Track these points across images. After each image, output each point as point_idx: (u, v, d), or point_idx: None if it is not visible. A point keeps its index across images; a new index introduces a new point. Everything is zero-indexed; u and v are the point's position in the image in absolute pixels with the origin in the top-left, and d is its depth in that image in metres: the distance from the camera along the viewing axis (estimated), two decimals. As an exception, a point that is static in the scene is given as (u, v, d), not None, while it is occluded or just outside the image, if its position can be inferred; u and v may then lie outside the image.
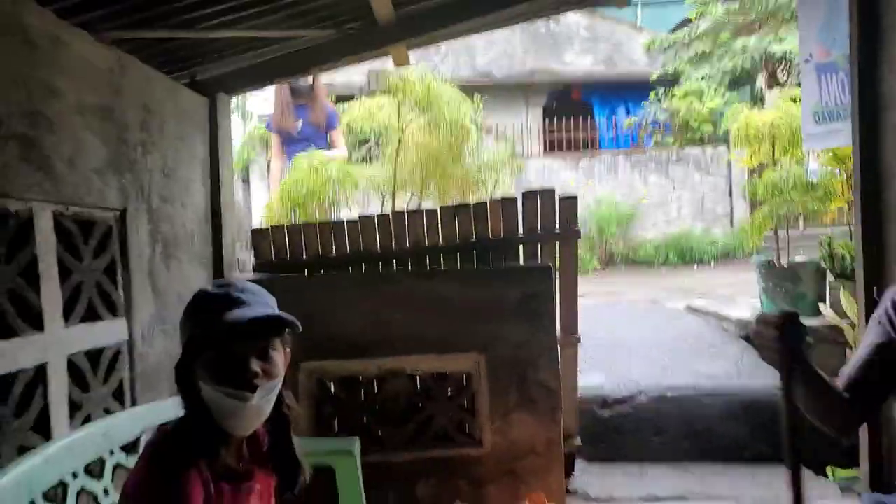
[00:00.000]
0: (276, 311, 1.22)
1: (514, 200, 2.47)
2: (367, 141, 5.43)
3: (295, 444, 1.32)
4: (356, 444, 2.02)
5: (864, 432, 2.23)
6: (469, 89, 7.42)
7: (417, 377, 2.39)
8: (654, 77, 9.74)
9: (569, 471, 2.82)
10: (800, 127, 2.83)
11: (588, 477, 2.83)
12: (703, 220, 9.41)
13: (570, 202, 2.52)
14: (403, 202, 3.33)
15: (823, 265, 3.05)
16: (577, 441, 2.79)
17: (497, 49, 11.12)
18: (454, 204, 2.56)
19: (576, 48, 11.16)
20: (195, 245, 2.12)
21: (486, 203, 2.49)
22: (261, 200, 7.34)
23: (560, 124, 10.69)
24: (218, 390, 1.16)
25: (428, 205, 3.11)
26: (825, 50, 2.42)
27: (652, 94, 9.74)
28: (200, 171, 2.21)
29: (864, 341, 1.51)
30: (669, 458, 2.93)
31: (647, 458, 2.95)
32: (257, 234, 2.48)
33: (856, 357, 1.51)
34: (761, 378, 3.03)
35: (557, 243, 2.53)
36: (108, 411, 1.68)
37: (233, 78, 2.36)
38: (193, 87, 2.15)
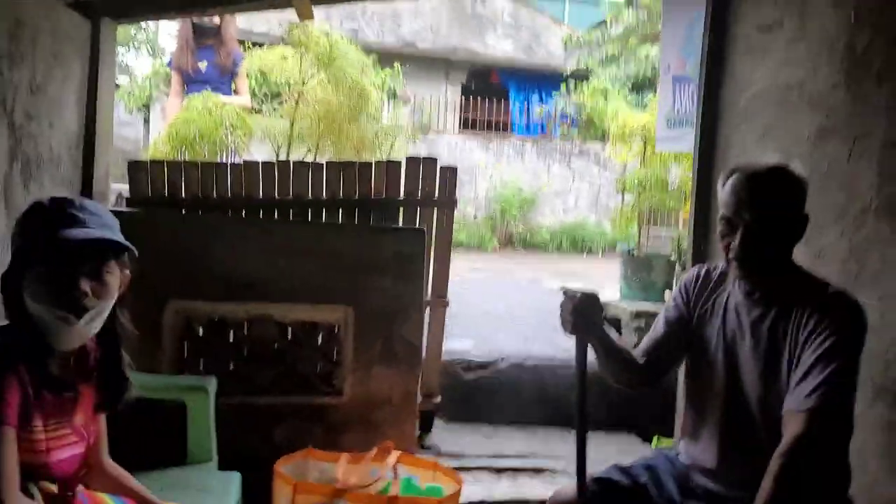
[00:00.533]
0: (114, 236, 1.23)
1: (398, 164, 2.56)
2: (279, 94, 5.35)
3: (124, 361, 1.35)
4: (212, 382, 2.07)
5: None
6: (391, 56, 7.40)
7: (286, 324, 2.46)
8: (567, 71, 10.09)
9: (427, 427, 2.99)
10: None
11: (444, 434, 3.01)
12: (598, 211, 9.92)
13: (451, 172, 2.65)
14: (298, 157, 3.34)
15: (673, 258, 3.38)
16: (438, 399, 2.97)
17: (422, 21, 11.11)
18: (340, 161, 2.61)
19: (498, 32, 11.33)
20: (62, 169, 2.06)
21: (371, 164, 2.57)
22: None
23: (476, 104, 10.88)
24: (45, 307, 1.17)
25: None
26: (682, 62, 2.67)
27: (563, 87, 10.08)
28: (76, 95, 2.14)
29: (661, 315, 1.75)
30: (522, 421, 3.17)
31: (502, 420, 3.17)
32: (134, 166, 2.44)
33: (653, 329, 1.75)
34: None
35: (435, 209, 2.66)
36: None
37: (121, 4, 2.28)
38: (76, 7, 2.07)
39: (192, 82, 3.90)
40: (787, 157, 1.98)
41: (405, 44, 10.70)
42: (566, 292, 1.57)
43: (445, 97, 11.13)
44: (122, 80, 8.14)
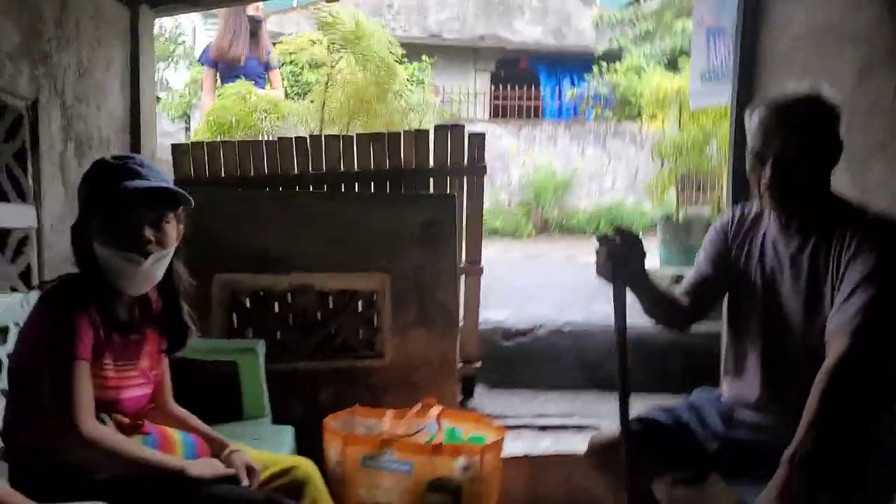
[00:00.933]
0: (173, 187, 1.36)
1: (426, 133, 2.63)
2: (309, 92, 5.50)
3: (184, 310, 1.46)
4: (260, 344, 2.18)
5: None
6: (418, 49, 7.44)
7: (326, 293, 2.55)
8: (599, 52, 10.00)
9: (469, 393, 3.05)
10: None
11: (485, 399, 3.06)
12: (636, 192, 9.80)
13: (479, 138, 2.70)
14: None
15: (713, 220, 3.36)
16: (478, 365, 3.02)
17: (448, 11, 11.17)
18: (369, 133, 2.68)
19: (526, 17, 11.30)
20: (111, 150, 2.20)
21: (399, 134, 2.64)
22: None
23: (506, 91, 10.88)
24: (112, 251, 1.29)
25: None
26: (715, 15, 2.65)
27: (595, 68, 10.00)
28: (119, 81, 2.27)
29: (700, 255, 1.77)
30: (562, 385, 3.20)
31: (541, 385, 3.20)
32: (177, 149, 2.57)
33: (695, 268, 1.76)
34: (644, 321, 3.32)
35: (465, 176, 2.71)
36: (14, 290, 1.78)
37: None
38: None
39: (229, 76, 4.03)
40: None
41: (432, 35, 10.78)
42: (602, 237, 1.56)
43: (474, 86, 11.16)
44: (161, 94, 8.45)
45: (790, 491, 1.32)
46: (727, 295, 1.77)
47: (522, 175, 9.81)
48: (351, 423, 2.24)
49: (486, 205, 9.73)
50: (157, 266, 1.34)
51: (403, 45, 4.13)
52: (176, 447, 1.40)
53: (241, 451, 1.46)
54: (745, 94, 2.50)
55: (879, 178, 1.92)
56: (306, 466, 1.59)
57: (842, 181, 1.98)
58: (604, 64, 9.99)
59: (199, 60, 4.96)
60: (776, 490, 1.34)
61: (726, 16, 2.60)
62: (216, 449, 1.46)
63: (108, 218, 1.29)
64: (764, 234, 1.67)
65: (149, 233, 1.31)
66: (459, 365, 2.84)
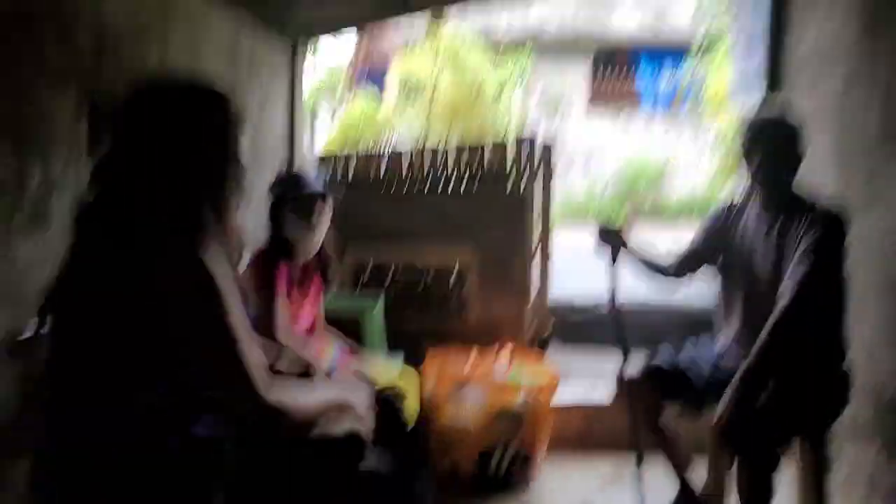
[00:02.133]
0: (326, 191, 2.19)
1: (504, 146, 3.32)
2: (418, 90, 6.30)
3: (334, 263, 2.29)
4: (380, 298, 2.99)
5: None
6: (520, 45, 7.94)
7: (428, 265, 3.32)
8: (697, 40, 10.12)
9: (543, 350, 3.73)
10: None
11: (556, 353, 3.72)
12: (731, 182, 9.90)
13: (548, 148, 3.35)
14: (434, 142, 4.20)
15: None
16: (547, 334, 3.69)
17: (550, 6, 11.58)
18: (459, 146, 3.41)
19: (625, 7, 11.49)
20: (275, 158, 3.08)
21: (482, 146, 3.35)
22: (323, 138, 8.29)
23: (605, 82, 11.21)
24: (299, 222, 2.11)
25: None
26: (752, 25, 3.14)
27: (692, 58, 10.14)
28: (283, 107, 3.16)
29: (700, 227, 2.37)
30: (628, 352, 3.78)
31: (604, 349, 3.81)
32: (321, 159, 3.45)
33: (695, 235, 2.37)
34: (698, 300, 3.83)
35: (539, 179, 3.37)
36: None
37: (315, 22, 3.17)
38: (280, 29, 3.03)
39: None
40: (824, 105, 2.53)
41: (533, 31, 11.27)
42: (597, 227, 2.30)
43: (574, 78, 11.55)
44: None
45: (738, 396, 1.91)
46: (720, 261, 2.34)
47: (617, 163, 10.19)
48: (444, 361, 2.99)
49: (582, 192, 10.19)
50: (320, 234, 2.18)
51: (506, 41, 4.76)
52: (328, 352, 2.24)
53: (368, 359, 2.28)
54: (772, 93, 2.99)
55: (858, 172, 2.40)
56: (410, 376, 2.38)
57: (826, 173, 2.53)
58: (701, 53, 10.12)
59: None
60: (729, 396, 1.93)
61: (760, 28, 3.07)
62: (354, 353, 2.29)
63: (294, 206, 2.13)
64: (748, 217, 2.24)
65: (315, 216, 2.14)
66: (532, 331, 3.53)
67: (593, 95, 11.36)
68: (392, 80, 4.81)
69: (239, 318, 1.15)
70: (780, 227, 2.11)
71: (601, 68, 11.68)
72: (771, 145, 2.09)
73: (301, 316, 2.20)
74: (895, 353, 2.19)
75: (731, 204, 2.34)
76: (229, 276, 1.16)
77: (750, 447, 1.92)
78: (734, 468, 2.01)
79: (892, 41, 2.21)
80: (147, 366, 1.14)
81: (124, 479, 1.14)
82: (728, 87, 4.01)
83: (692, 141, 10.09)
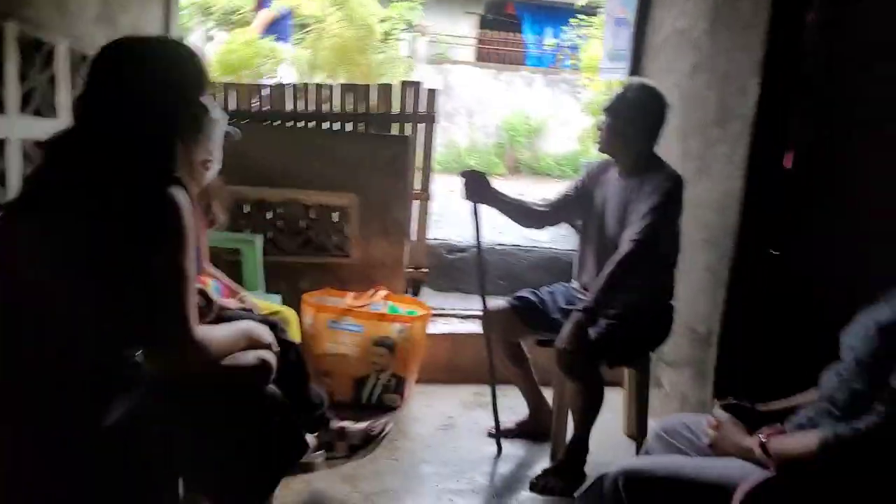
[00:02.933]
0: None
1: (390, 86, 3.41)
2: (305, 25, 6.13)
3: (219, 194, 2.30)
4: (259, 238, 3.01)
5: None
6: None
7: (309, 206, 3.36)
8: (579, 4, 10.52)
9: (416, 292, 3.94)
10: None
11: (430, 297, 3.95)
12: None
13: (433, 92, 3.48)
14: (319, 80, 4.18)
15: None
16: (425, 270, 3.90)
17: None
18: (347, 83, 3.45)
19: (515, -36, 11.67)
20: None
21: (370, 86, 3.42)
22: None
23: (492, 35, 11.42)
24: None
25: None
26: (622, 8, 3.42)
27: (574, 20, 10.56)
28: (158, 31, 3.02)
29: (570, 184, 2.63)
30: (491, 292, 4.08)
31: (474, 290, 4.09)
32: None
33: (563, 190, 2.63)
34: (564, 243, 4.21)
35: (420, 123, 3.51)
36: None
37: None
38: None
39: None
40: (675, 86, 2.85)
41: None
42: (461, 174, 2.46)
43: (462, 28, 11.65)
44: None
45: (578, 325, 2.21)
46: (580, 216, 2.63)
47: (499, 117, 10.52)
48: (322, 299, 3.11)
49: (464, 143, 10.42)
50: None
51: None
52: (208, 287, 2.27)
53: (249, 296, 2.33)
54: (634, 74, 3.31)
55: (695, 144, 2.76)
56: (289, 311, 2.47)
57: (670, 146, 2.87)
58: (583, 17, 10.56)
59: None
60: (570, 325, 2.22)
61: (630, 10, 3.37)
62: (232, 293, 2.32)
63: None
64: (610, 176, 2.53)
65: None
66: (409, 269, 3.72)
67: (480, 49, 11.56)
68: (265, 12, 4.64)
69: (191, 258, 1.22)
70: (629, 188, 2.40)
71: (489, 21, 11.87)
72: (626, 112, 2.36)
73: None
74: (709, 299, 2.58)
75: (598, 164, 2.62)
76: (191, 214, 1.23)
77: (582, 370, 2.23)
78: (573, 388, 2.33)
79: (729, 40, 2.54)
80: (92, 291, 1.18)
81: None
82: (599, 59, 4.34)
83: (569, 101, 10.60)
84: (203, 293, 1.73)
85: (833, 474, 0.95)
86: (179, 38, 1.47)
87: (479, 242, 2.50)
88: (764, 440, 1.08)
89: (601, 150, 2.45)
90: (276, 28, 4.47)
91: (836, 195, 2.35)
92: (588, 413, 2.31)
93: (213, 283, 2.32)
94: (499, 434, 2.61)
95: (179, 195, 1.21)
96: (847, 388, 1.07)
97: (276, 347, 1.57)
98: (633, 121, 2.37)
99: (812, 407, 1.16)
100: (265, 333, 1.55)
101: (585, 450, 2.33)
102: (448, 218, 4.46)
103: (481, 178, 2.44)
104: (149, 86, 1.28)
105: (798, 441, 1.03)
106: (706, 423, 1.26)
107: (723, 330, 2.47)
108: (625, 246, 2.28)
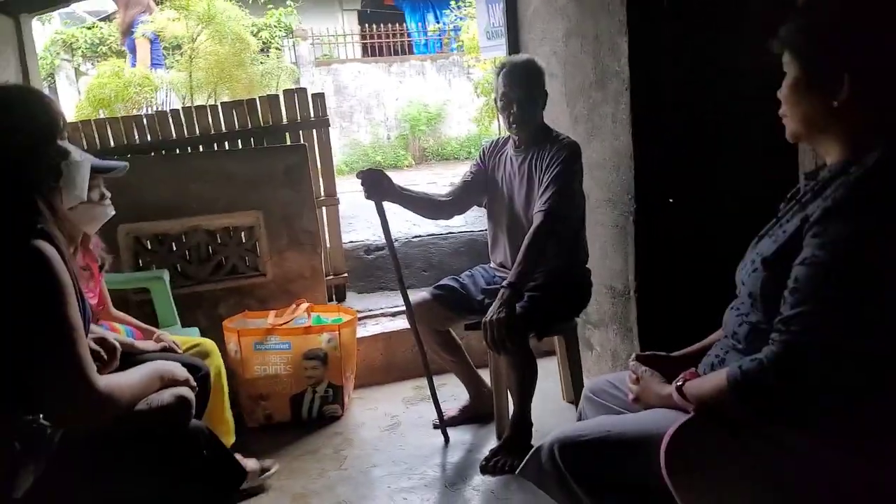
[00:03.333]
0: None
1: (277, 96, 3.32)
2: (179, 46, 5.87)
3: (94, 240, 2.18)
4: (165, 273, 2.88)
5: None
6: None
7: (214, 231, 3.24)
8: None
9: (341, 297, 3.89)
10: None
11: (354, 300, 3.91)
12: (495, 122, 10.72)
13: (320, 97, 3.42)
14: (200, 102, 4.02)
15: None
16: (345, 275, 3.85)
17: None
18: (231, 100, 3.34)
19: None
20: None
21: (254, 99, 3.31)
22: (70, 103, 7.40)
23: (375, 30, 11.32)
24: (92, 204, 1.96)
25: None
26: (492, -16, 3.47)
27: (453, 2, 10.63)
28: (14, 80, 2.80)
29: (468, 169, 2.65)
30: (416, 285, 4.09)
31: (396, 286, 4.09)
32: (70, 126, 3.12)
33: (463, 177, 2.64)
34: (479, 225, 4.26)
35: (313, 129, 3.44)
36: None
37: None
38: (1, 9, 2.70)
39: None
40: (553, 53, 2.90)
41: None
42: (358, 174, 2.44)
43: (343, 27, 11.51)
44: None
45: (505, 302, 2.24)
46: (485, 196, 2.66)
47: (397, 110, 10.47)
48: (243, 323, 3.02)
49: (367, 140, 10.37)
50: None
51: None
52: (121, 333, 2.15)
53: (165, 333, 2.23)
54: (513, 49, 3.37)
55: (580, 107, 2.84)
56: (209, 343, 2.38)
57: (559, 111, 2.94)
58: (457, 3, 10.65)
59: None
60: (497, 302, 2.25)
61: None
62: (147, 335, 2.21)
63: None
64: (507, 152, 2.56)
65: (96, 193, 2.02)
66: (329, 277, 3.66)
67: (365, 44, 11.44)
68: (141, 44, 4.44)
69: (73, 308, 1.19)
70: (529, 161, 2.45)
71: (369, 15, 11.76)
72: (518, 88, 2.40)
73: (90, 299, 2.08)
74: (621, 255, 2.67)
75: (496, 141, 2.65)
76: (63, 266, 1.20)
77: (513, 344, 2.27)
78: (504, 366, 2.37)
79: (593, 4, 2.61)
80: None
81: None
82: (477, 38, 4.39)
83: (463, 83, 10.69)
84: (102, 341, 1.64)
85: (745, 406, 1.01)
86: (22, 84, 1.39)
87: (389, 239, 2.49)
88: (680, 384, 1.13)
89: (515, 129, 2.47)
90: (150, 55, 4.28)
91: (717, 137, 2.49)
92: (525, 386, 2.36)
93: (124, 328, 2.20)
94: (443, 424, 2.63)
95: (44, 247, 1.17)
96: (745, 322, 1.13)
97: (191, 382, 1.52)
98: (529, 95, 2.42)
99: (719, 345, 1.22)
100: (177, 370, 1.53)
101: (529, 423, 2.38)
102: (360, 219, 4.42)
103: (379, 176, 2.42)
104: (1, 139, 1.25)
105: (710, 381, 1.08)
106: (628, 379, 1.31)
107: (638, 283, 2.57)
108: (536, 219, 2.33)
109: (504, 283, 2.29)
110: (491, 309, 2.25)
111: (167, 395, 1.46)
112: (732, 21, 2.41)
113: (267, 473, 2.32)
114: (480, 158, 2.66)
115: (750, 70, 2.23)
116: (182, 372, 1.54)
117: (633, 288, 2.60)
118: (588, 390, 1.48)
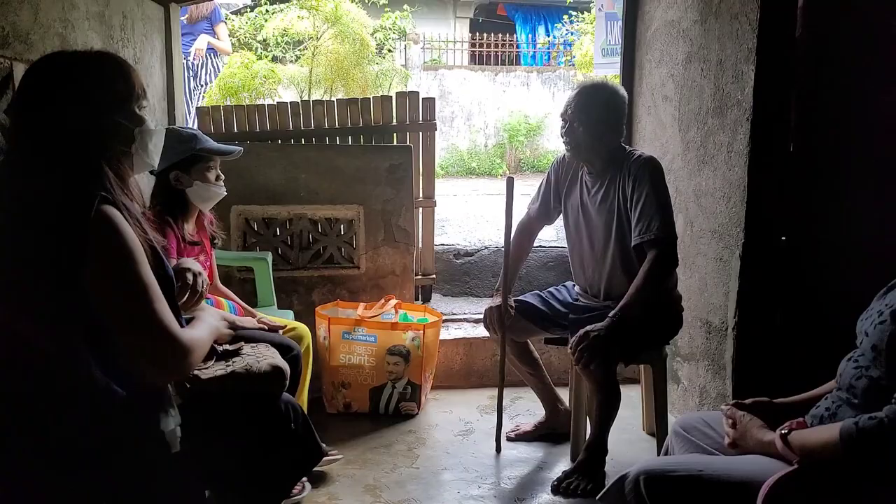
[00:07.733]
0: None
1: (390, 98, 3.42)
2: (300, 42, 6.17)
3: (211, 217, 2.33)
4: (269, 255, 3.03)
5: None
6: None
7: (316, 220, 3.39)
8: (569, 0, 10.54)
9: (427, 298, 3.95)
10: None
11: (440, 303, 3.97)
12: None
13: (430, 102, 3.50)
14: (317, 97, 4.21)
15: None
16: (433, 276, 3.91)
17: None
18: (346, 98, 3.47)
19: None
20: (156, 113, 2.99)
21: (368, 98, 3.43)
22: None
23: (484, 38, 11.43)
24: (207, 184, 2.13)
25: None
26: (612, 2, 3.43)
27: (566, 17, 10.57)
28: (159, 63, 3.04)
29: (542, 183, 2.63)
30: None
31: (484, 294, 4.11)
32: (202, 111, 3.36)
33: (541, 192, 2.63)
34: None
35: (420, 132, 3.52)
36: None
37: None
38: None
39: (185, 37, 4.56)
40: (671, 76, 2.85)
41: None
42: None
43: (454, 33, 11.68)
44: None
45: (611, 324, 2.20)
46: (563, 218, 2.63)
47: (498, 119, 10.52)
48: (335, 311, 3.13)
49: (464, 146, 10.44)
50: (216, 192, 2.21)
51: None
52: (224, 309, 2.29)
53: (266, 316, 2.35)
54: (627, 66, 3.32)
55: (693, 133, 2.76)
56: (303, 327, 2.48)
57: (670, 135, 2.87)
58: (574, 13, 10.57)
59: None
60: (606, 321, 2.21)
61: (619, 5, 3.38)
62: (246, 314, 2.34)
63: (203, 164, 2.18)
64: (579, 179, 2.52)
65: (214, 173, 2.18)
66: (418, 276, 3.73)
67: (473, 52, 11.57)
68: (222, 27, 4.59)
69: (144, 266, 1.21)
70: (606, 185, 2.40)
71: (480, 24, 11.88)
72: (580, 112, 2.35)
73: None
74: (721, 290, 2.58)
75: (561, 163, 2.61)
76: (128, 228, 1.21)
77: (598, 371, 2.23)
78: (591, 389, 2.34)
79: (720, 29, 2.54)
80: (59, 315, 1.19)
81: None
82: (592, 54, 4.35)
83: (565, 97, 10.57)
84: (183, 272, 1.70)
85: (856, 465, 0.96)
86: (104, 51, 1.38)
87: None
88: (785, 432, 1.09)
89: (576, 157, 2.44)
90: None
91: (840, 176, 2.35)
92: (607, 412, 2.32)
93: (227, 303, 2.34)
94: (499, 432, 2.63)
95: (108, 212, 1.18)
96: (865, 376, 1.07)
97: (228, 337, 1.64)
98: (588, 120, 2.35)
99: (831, 397, 1.16)
100: (226, 332, 1.61)
101: (605, 449, 2.33)
102: (453, 223, 4.48)
103: (499, 309, 2.51)
104: (63, 104, 1.24)
105: (820, 433, 1.03)
106: (724, 422, 1.26)
107: (738, 321, 2.47)
108: (649, 249, 2.26)
109: (619, 305, 2.25)
110: (595, 325, 2.22)
111: (265, 364, 1.54)
112: (873, 59, 2.28)
113: (330, 457, 2.38)
114: (553, 174, 2.63)
115: (892, 115, 2.11)
116: (228, 333, 1.63)
117: (732, 325, 2.50)
118: (678, 425, 1.44)
